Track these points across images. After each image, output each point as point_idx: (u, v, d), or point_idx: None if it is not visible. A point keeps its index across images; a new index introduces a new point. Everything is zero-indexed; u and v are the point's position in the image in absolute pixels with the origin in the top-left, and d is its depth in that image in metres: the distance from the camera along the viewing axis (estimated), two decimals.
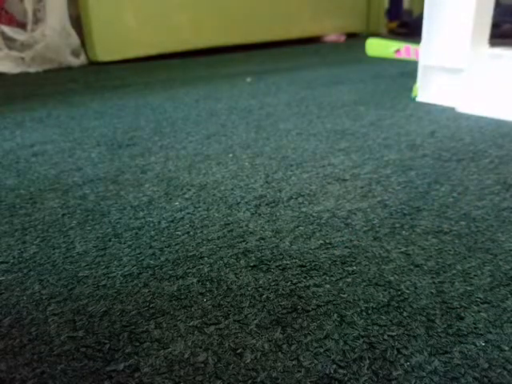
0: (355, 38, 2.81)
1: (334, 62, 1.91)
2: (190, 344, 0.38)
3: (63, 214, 0.63)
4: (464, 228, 0.56)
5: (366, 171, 0.74)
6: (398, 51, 1.69)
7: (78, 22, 2.03)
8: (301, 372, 0.35)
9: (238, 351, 0.37)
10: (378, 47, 1.80)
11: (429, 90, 1.18)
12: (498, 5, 1.08)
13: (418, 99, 1.20)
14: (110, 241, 0.55)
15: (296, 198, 0.65)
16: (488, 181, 0.70)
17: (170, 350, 0.38)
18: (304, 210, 0.62)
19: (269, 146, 0.88)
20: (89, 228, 0.59)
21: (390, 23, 3.00)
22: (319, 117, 1.08)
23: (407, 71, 1.56)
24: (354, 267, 0.48)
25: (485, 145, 0.85)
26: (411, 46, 1.65)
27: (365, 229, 0.56)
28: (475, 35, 1.07)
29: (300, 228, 0.57)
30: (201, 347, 0.38)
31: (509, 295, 0.43)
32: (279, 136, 0.95)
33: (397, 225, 0.57)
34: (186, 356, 0.37)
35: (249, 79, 1.58)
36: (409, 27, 2.79)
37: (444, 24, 1.12)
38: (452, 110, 1.10)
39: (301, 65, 1.88)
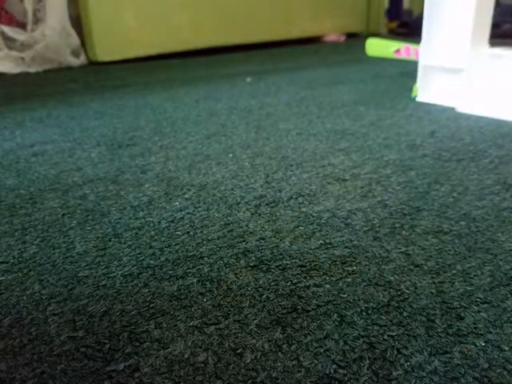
0: (355, 38, 2.81)
1: (334, 62, 1.91)
2: (189, 344, 0.38)
3: (63, 214, 0.63)
4: (464, 228, 0.56)
5: (366, 171, 0.74)
6: (397, 51, 1.69)
7: (78, 21, 2.03)
8: (301, 372, 0.35)
9: (238, 351, 0.37)
10: (377, 47, 1.80)
11: (429, 90, 1.18)
12: (498, 5, 1.08)
13: (418, 99, 1.20)
14: (109, 241, 0.55)
15: (296, 198, 0.65)
16: (488, 181, 0.70)
17: (169, 350, 0.38)
18: (304, 210, 0.62)
19: (269, 146, 0.88)
20: (89, 228, 0.59)
21: (390, 23, 3.00)
22: (319, 117, 1.08)
23: (407, 71, 1.56)
24: (354, 267, 0.48)
25: (485, 145, 0.85)
26: (411, 46, 1.65)
27: (365, 229, 0.56)
28: (475, 35, 1.07)
29: (300, 228, 0.57)
30: (201, 347, 0.38)
31: (509, 295, 0.43)
32: (279, 136, 0.95)
33: (397, 225, 0.57)
34: (186, 356, 0.37)
35: (249, 79, 1.58)
36: (409, 27, 2.79)
37: (444, 24, 1.12)
38: (452, 110, 1.10)
39: (301, 65, 1.88)
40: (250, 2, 2.30)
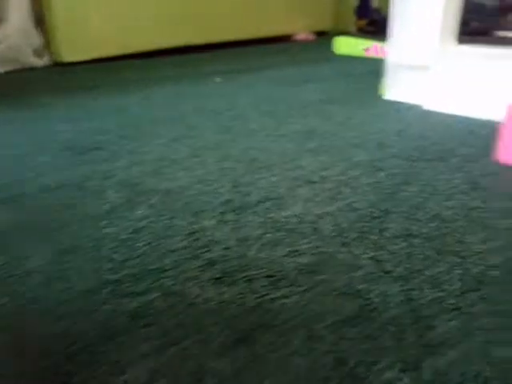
0: (324, 37, 2.81)
1: (303, 61, 1.90)
2: (148, 368, 0.36)
3: (18, 226, 0.59)
4: (433, 230, 0.55)
5: (335, 173, 0.73)
6: (367, 49, 1.70)
7: (41, 21, 1.96)
8: None
9: (199, 375, 0.35)
10: (347, 45, 1.80)
11: (397, 88, 1.18)
12: (466, 2, 1.08)
13: (387, 97, 1.19)
14: (68, 254, 0.52)
15: (264, 203, 0.63)
16: (456, 180, 0.69)
17: (127, 376, 0.35)
18: (272, 215, 0.60)
19: (237, 148, 0.86)
20: (46, 241, 0.56)
21: (359, 21, 3.01)
22: (288, 117, 1.06)
23: (376, 69, 1.55)
24: (323, 276, 0.46)
25: (452, 143, 0.85)
26: (380, 44, 1.65)
27: (333, 234, 0.55)
28: (443, 33, 1.08)
29: (267, 235, 0.55)
30: (159, 371, 0.36)
31: (478, 300, 0.42)
32: (248, 137, 0.93)
33: (365, 228, 0.56)
34: (143, 381, 0.35)
35: (218, 79, 1.56)
36: (378, 25, 2.80)
37: (411, 21, 1.12)
38: (420, 107, 1.10)
39: (269, 64, 1.86)
40: (216, 0, 2.26)
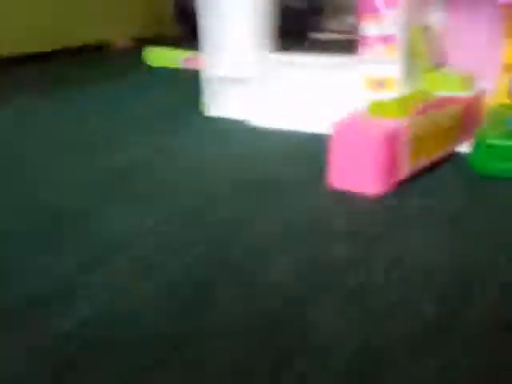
0: (143, 45, 2.61)
1: (117, 74, 1.68)
2: None
3: None
4: (270, 316, 0.41)
5: (146, 230, 0.56)
6: (185, 60, 1.55)
7: None
8: None
9: None
10: (163, 56, 1.64)
11: (219, 103, 1.05)
12: (280, 7, 1.00)
13: (208, 114, 1.06)
14: None
15: (33, 307, 0.43)
16: (289, 221, 0.58)
17: None
18: (51, 324, 0.40)
19: (13, 201, 0.63)
20: None
21: (179, 28, 2.88)
22: (90, 150, 0.85)
23: (197, 83, 1.42)
24: None
25: (282, 167, 0.75)
26: (200, 55, 1.52)
27: (134, 348, 0.37)
28: (260, 41, 0.98)
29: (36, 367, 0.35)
30: None
31: None
32: (32, 183, 0.70)
33: (177, 336, 0.40)
34: None
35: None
36: (197, 33, 2.70)
37: (224, 30, 1.01)
38: (245, 124, 0.98)
39: (77, 79, 1.60)
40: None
